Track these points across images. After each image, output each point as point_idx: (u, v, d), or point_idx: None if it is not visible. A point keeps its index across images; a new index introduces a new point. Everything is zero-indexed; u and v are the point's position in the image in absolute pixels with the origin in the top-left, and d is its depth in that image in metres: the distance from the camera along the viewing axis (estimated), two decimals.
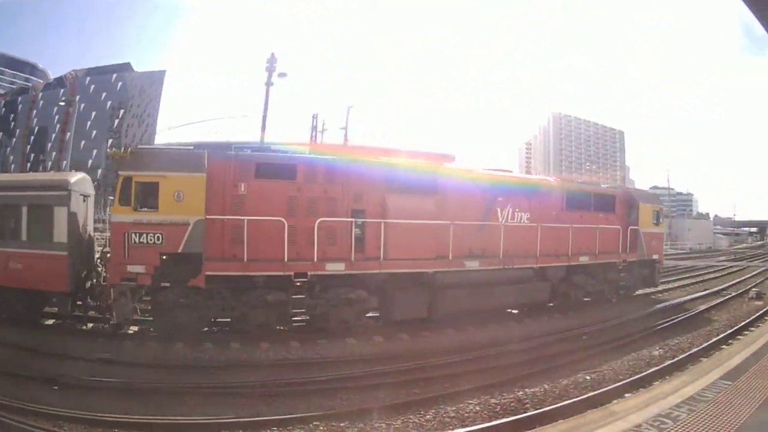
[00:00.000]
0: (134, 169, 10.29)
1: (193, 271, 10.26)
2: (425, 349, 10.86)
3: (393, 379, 8.82)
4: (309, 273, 11.07)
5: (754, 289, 21.05)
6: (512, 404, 7.99)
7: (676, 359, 10.52)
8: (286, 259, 10.83)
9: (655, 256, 18.42)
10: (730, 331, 13.25)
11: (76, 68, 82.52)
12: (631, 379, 9.09)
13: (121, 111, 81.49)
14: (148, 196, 10.19)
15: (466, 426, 7.04)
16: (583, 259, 15.76)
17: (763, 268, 32.31)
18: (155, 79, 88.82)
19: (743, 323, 14.21)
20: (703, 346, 11.71)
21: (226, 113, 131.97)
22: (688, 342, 12.47)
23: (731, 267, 33.59)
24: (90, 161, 76.75)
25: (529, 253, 14.46)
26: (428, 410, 7.59)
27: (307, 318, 11.83)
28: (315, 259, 11.12)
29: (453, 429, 7.00)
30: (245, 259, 10.58)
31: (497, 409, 7.82)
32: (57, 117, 79.29)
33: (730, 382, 7.65)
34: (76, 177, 11.86)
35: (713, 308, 16.79)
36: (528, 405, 7.95)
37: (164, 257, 10.19)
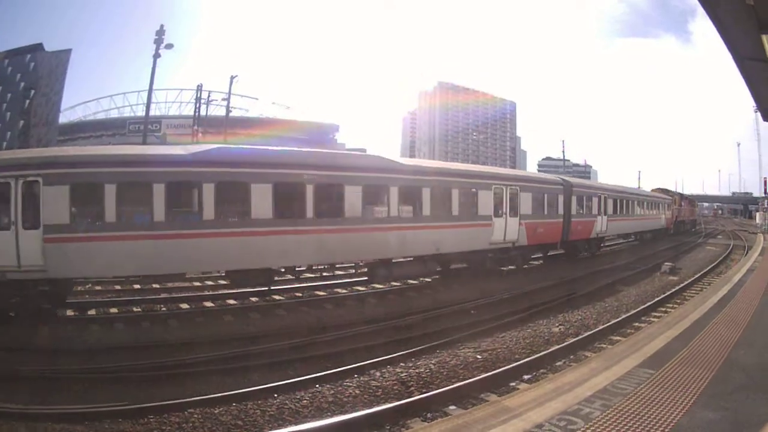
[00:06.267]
0: None
1: None
2: None
3: None
4: None
5: (667, 263, 20.37)
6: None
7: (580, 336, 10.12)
8: None
9: None
10: (643, 307, 12.94)
11: None
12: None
13: (32, 92, 77.58)
14: None
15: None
16: None
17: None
18: (62, 58, 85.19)
19: (658, 298, 13.98)
20: (611, 323, 11.32)
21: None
22: (594, 318, 12.02)
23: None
24: (4, 143, 72.74)
25: None
26: None
27: None
28: None
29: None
30: None
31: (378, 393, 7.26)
32: None
33: (652, 371, 6.45)
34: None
35: (619, 282, 17.27)
36: None
37: None
